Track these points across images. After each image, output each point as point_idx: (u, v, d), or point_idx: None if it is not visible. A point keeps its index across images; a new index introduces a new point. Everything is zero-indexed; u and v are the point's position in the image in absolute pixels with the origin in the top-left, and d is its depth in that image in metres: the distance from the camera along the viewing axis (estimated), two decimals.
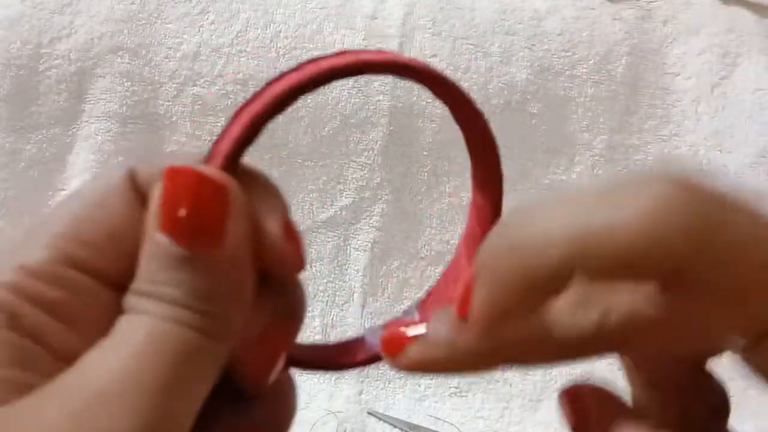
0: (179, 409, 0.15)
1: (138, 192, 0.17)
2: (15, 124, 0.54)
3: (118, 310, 0.16)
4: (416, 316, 0.22)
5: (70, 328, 0.16)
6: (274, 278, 0.18)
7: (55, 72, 0.54)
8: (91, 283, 0.17)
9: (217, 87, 0.55)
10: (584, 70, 0.60)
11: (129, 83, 0.54)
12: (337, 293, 0.56)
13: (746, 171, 0.60)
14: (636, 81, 0.61)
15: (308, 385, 0.54)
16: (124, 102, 0.54)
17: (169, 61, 0.55)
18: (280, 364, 0.18)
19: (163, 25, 0.55)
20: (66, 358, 0.16)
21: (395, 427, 0.52)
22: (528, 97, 0.58)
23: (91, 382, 0.15)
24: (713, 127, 0.61)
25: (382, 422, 0.52)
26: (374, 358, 0.21)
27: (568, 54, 0.59)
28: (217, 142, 0.17)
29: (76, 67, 0.54)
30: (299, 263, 0.18)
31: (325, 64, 0.18)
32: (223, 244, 0.16)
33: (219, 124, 0.55)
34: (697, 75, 0.62)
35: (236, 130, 0.17)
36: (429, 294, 0.22)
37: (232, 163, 0.17)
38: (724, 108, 0.61)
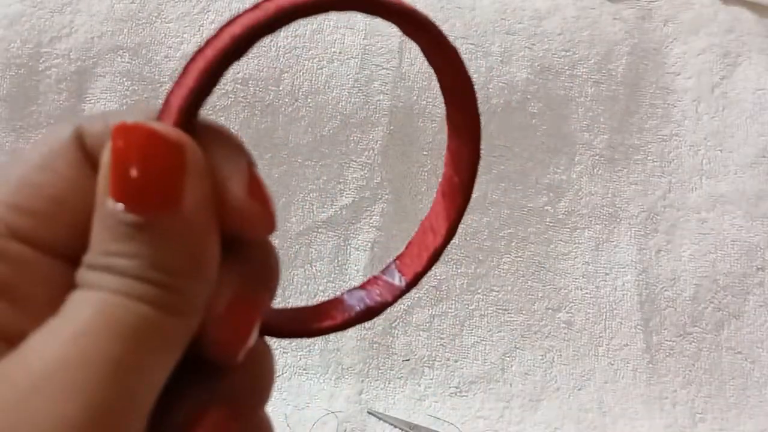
0: (134, 389, 0.14)
1: (86, 152, 0.16)
2: (15, 124, 0.54)
3: (70, 286, 0.15)
4: (396, 272, 0.20)
5: (16, 306, 0.15)
6: (241, 243, 0.16)
7: (55, 71, 0.54)
8: (37, 256, 0.15)
9: (217, 86, 0.55)
10: (584, 70, 0.59)
11: (129, 83, 0.54)
12: (337, 293, 0.56)
13: (746, 171, 0.60)
14: (636, 81, 0.61)
15: (308, 385, 0.54)
16: (124, 101, 0.54)
17: (169, 60, 0.55)
18: (253, 335, 0.16)
19: (163, 25, 0.55)
20: (12, 340, 0.14)
21: (395, 427, 0.52)
22: (528, 96, 0.58)
23: (33, 366, 0.13)
24: (713, 126, 0.61)
25: (382, 422, 0.52)
26: (353, 320, 0.19)
27: (568, 54, 0.59)
28: (170, 95, 0.16)
29: (76, 66, 0.54)
30: (268, 224, 0.16)
31: (285, 1, 0.16)
32: (180, 207, 0.14)
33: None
34: (697, 75, 0.62)
35: (191, 80, 0.16)
36: (408, 246, 0.21)
37: (189, 117, 0.16)
38: (724, 108, 0.61)
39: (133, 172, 0.14)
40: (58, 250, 0.15)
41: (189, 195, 0.14)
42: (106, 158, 0.15)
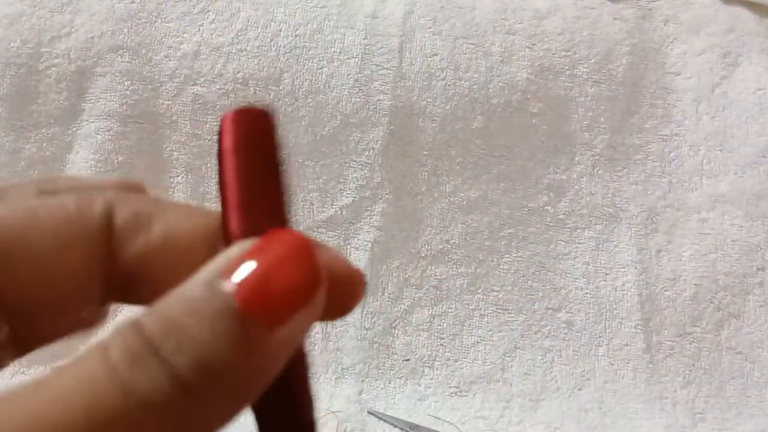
0: None
1: (110, 228, 0.16)
2: (15, 123, 0.54)
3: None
4: None
5: None
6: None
7: (55, 71, 0.54)
8: None
9: (217, 86, 0.55)
10: (585, 70, 0.59)
11: (129, 82, 0.54)
12: None
13: (746, 171, 0.60)
14: (637, 81, 0.61)
15: None
16: (124, 101, 0.54)
17: (169, 60, 0.55)
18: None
19: (163, 24, 0.55)
20: None
21: (395, 426, 0.52)
22: (528, 96, 0.58)
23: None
24: (714, 126, 0.61)
25: (382, 422, 0.52)
26: None
27: (568, 54, 0.59)
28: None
29: (76, 66, 0.54)
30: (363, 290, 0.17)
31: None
32: (282, 328, 0.13)
33: (219, 124, 0.55)
34: (697, 75, 0.62)
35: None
36: None
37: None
38: (724, 108, 0.61)
39: (276, 278, 0.13)
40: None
41: (296, 321, 0.14)
42: (241, 249, 0.14)
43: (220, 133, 0.17)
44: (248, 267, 0.13)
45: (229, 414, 0.14)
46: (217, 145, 0.17)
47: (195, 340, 0.13)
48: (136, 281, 0.17)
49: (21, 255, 0.15)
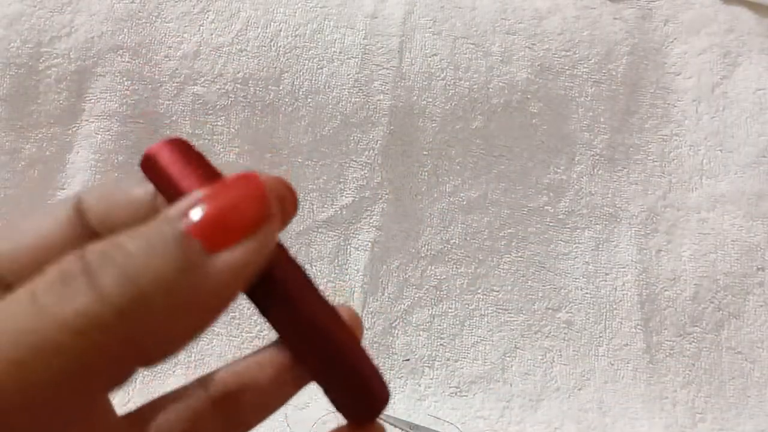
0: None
1: (82, 217, 0.17)
2: (15, 123, 0.54)
3: None
4: None
5: None
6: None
7: (55, 71, 0.54)
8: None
9: (217, 86, 0.55)
10: (585, 70, 0.59)
11: (129, 82, 0.54)
12: (337, 293, 0.56)
13: (746, 171, 0.60)
14: (636, 80, 0.61)
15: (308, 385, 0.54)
16: (124, 101, 0.54)
17: (169, 60, 0.55)
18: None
19: (163, 24, 0.55)
20: None
21: (395, 427, 0.52)
22: (528, 96, 0.58)
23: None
24: (714, 126, 0.61)
25: (382, 422, 0.52)
26: None
27: (568, 53, 0.59)
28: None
29: (76, 65, 0.54)
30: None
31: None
32: (224, 254, 0.14)
33: (219, 124, 0.55)
34: (697, 75, 0.62)
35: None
36: None
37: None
38: (724, 108, 0.61)
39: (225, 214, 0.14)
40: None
41: (237, 252, 0.14)
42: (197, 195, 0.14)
43: (148, 161, 0.17)
44: (204, 204, 0.14)
45: (166, 338, 0.14)
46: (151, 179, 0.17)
47: (127, 254, 0.13)
48: None
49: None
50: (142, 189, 0.17)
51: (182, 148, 0.17)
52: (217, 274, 0.14)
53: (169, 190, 0.16)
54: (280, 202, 0.16)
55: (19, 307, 0.13)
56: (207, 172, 0.16)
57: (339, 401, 0.18)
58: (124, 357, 0.13)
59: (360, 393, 0.17)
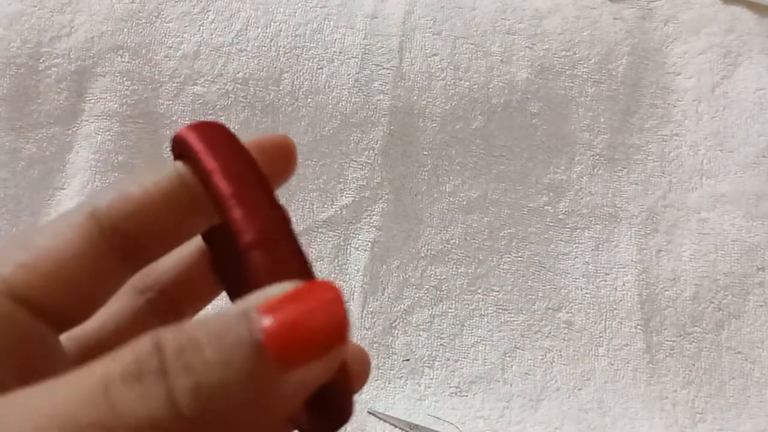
0: None
1: (100, 227, 0.16)
2: (15, 123, 0.54)
3: (45, 344, 0.15)
4: None
5: None
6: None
7: (55, 71, 0.54)
8: (21, 313, 0.15)
9: (217, 86, 0.55)
10: (585, 70, 0.59)
11: (129, 82, 0.54)
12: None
13: (747, 171, 0.60)
14: (637, 81, 0.61)
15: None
16: (124, 101, 0.54)
17: (170, 60, 0.55)
18: None
19: (164, 24, 0.55)
20: None
21: (395, 426, 0.52)
22: (528, 96, 0.58)
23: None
24: (714, 126, 0.61)
25: (382, 422, 0.52)
26: None
27: (568, 53, 0.59)
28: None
29: (76, 65, 0.54)
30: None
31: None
32: (296, 372, 0.13)
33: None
34: (698, 75, 0.62)
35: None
36: None
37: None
38: (724, 108, 0.61)
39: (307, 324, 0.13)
40: (46, 311, 0.16)
41: (307, 370, 0.13)
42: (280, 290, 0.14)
43: (181, 143, 0.17)
44: (285, 307, 0.13)
45: None
46: (175, 154, 0.17)
47: (204, 362, 0.13)
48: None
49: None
50: (155, 177, 0.17)
51: (222, 138, 0.17)
52: (286, 394, 0.13)
53: (209, 186, 0.16)
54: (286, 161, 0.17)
55: (90, 391, 0.12)
56: (263, 193, 0.16)
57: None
58: None
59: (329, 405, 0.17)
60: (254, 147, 0.18)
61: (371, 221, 0.56)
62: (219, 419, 0.13)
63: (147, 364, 0.13)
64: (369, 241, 0.56)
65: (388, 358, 0.55)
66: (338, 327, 0.14)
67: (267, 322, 0.13)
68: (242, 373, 0.13)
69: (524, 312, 0.57)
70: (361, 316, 0.55)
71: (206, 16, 0.56)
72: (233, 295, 0.20)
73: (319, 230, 0.56)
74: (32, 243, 0.16)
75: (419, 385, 0.55)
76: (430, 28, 0.58)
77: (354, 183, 0.56)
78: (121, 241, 0.17)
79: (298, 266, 0.16)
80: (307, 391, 0.14)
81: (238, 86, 0.55)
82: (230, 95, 0.55)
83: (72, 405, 0.12)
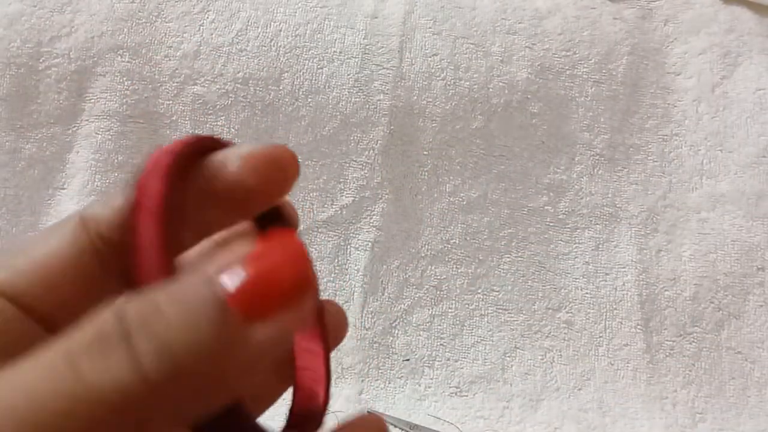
0: None
1: (89, 235, 0.17)
2: (15, 123, 0.54)
3: (33, 340, 0.14)
4: None
5: None
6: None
7: (55, 71, 0.54)
8: (18, 314, 0.16)
9: (217, 86, 0.55)
10: (585, 70, 0.59)
11: (129, 82, 0.54)
12: (337, 293, 0.56)
13: (746, 171, 0.60)
14: (637, 80, 0.61)
15: None
16: (125, 101, 0.54)
17: (170, 59, 0.55)
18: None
19: (164, 24, 0.55)
20: None
21: (395, 426, 0.52)
22: (528, 96, 0.58)
23: None
24: (714, 126, 0.61)
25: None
26: None
27: (568, 53, 0.59)
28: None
29: (76, 65, 0.54)
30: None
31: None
32: (261, 326, 0.13)
33: (219, 123, 0.55)
34: (697, 75, 0.62)
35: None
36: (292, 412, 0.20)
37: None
38: (724, 108, 0.61)
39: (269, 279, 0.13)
40: (39, 313, 0.16)
41: (273, 324, 0.13)
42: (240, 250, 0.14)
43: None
44: (248, 266, 0.13)
45: (194, 413, 0.13)
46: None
47: (167, 324, 0.13)
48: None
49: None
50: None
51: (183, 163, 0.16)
52: (253, 348, 0.13)
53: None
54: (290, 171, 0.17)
55: (55, 365, 0.12)
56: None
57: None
58: (153, 429, 0.13)
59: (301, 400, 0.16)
60: (248, 168, 0.17)
61: (371, 221, 0.56)
62: (186, 383, 0.13)
63: (109, 332, 0.13)
64: (369, 241, 0.56)
65: (388, 358, 0.55)
66: (302, 276, 0.14)
67: (229, 280, 0.13)
68: (207, 332, 0.13)
69: (524, 312, 0.57)
70: (361, 316, 0.55)
71: (206, 15, 0.56)
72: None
73: (319, 230, 0.56)
74: (22, 249, 0.16)
75: (419, 385, 0.55)
76: (430, 28, 0.58)
77: (354, 183, 0.56)
78: (107, 247, 0.17)
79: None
80: (275, 349, 0.14)
81: (238, 86, 0.55)
82: (230, 95, 0.55)
83: (37, 379, 0.12)
